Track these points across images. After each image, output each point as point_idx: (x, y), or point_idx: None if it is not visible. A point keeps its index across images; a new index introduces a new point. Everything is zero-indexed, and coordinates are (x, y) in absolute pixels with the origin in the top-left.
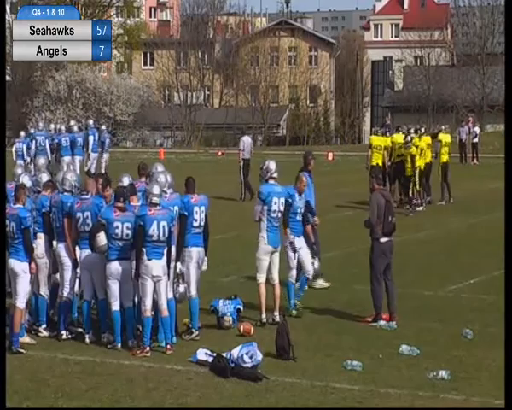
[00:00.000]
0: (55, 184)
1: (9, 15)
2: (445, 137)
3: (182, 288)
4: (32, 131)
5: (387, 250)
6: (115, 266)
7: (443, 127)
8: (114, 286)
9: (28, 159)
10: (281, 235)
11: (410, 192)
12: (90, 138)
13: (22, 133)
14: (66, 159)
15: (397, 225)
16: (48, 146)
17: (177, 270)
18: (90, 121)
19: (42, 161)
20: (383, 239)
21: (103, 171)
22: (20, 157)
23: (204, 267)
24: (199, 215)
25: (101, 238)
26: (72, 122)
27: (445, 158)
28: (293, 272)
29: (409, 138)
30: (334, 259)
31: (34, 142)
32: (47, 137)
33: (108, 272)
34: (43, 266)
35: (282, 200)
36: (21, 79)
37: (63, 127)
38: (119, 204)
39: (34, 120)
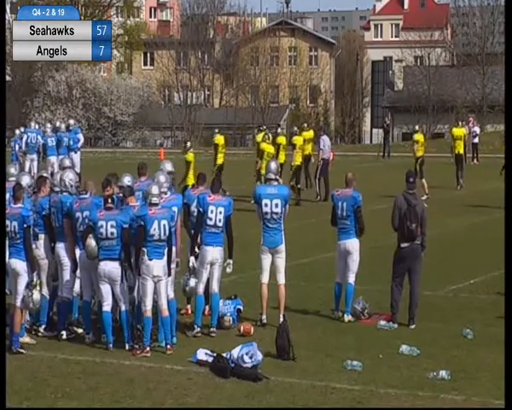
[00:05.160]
0: (46, 179)
1: (9, 15)
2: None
3: (192, 282)
4: (22, 129)
5: (407, 256)
6: (101, 267)
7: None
8: (102, 287)
9: (21, 158)
10: (281, 236)
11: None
12: (80, 137)
13: (17, 132)
14: (52, 159)
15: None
16: (40, 144)
17: (190, 264)
18: (71, 121)
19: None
20: (403, 245)
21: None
22: (13, 155)
23: (228, 270)
24: (214, 215)
25: (91, 244)
26: (57, 123)
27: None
28: (353, 276)
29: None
30: (333, 259)
31: (26, 137)
32: (38, 134)
33: (97, 273)
34: (44, 266)
35: (276, 201)
36: (21, 79)
37: (48, 128)
38: (108, 205)
39: (35, 120)
